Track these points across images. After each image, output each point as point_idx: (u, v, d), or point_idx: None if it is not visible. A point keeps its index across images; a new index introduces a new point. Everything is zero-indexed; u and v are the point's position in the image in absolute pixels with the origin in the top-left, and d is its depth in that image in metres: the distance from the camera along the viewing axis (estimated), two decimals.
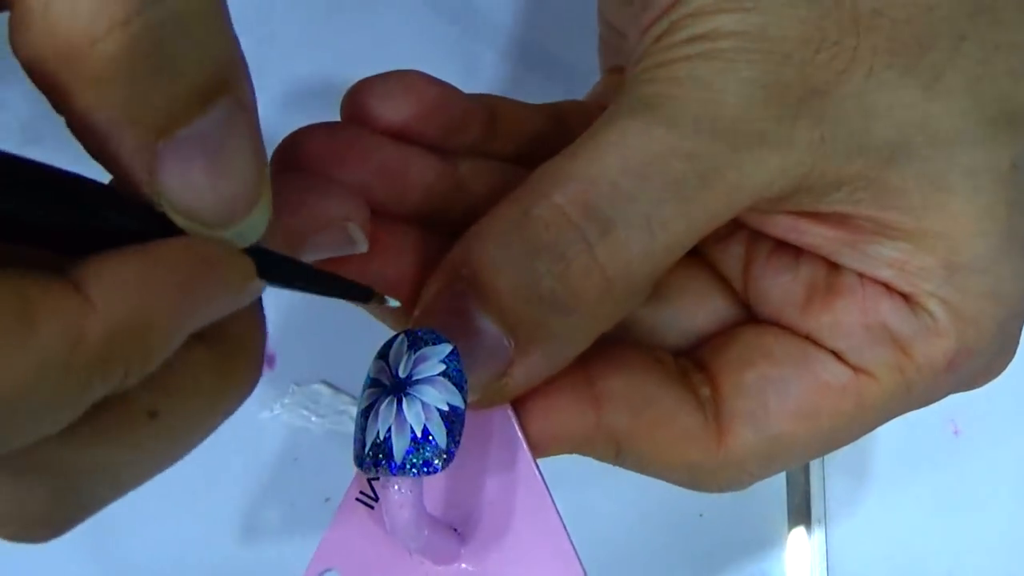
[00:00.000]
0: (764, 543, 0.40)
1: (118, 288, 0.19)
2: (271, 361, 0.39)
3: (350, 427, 0.39)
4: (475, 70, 0.41)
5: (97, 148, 0.20)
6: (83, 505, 0.21)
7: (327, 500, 0.39)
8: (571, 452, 0.26)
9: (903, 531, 0.40)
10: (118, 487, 0.22)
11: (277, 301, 0.40)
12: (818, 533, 0.39)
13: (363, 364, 0.25)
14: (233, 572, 0.39)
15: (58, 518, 0.21)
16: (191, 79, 0.21)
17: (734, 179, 0.23)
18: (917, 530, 0.39)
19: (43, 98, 0.21)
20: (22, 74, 0.21)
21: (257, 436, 0.39)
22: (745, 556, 0.40)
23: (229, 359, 0.22)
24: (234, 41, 0.21)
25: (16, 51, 0.20)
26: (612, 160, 0.23)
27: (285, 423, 0.39)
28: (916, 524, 0.40)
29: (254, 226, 0.22)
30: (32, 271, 0.18)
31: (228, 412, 0.22)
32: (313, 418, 0.39)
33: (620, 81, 0.33)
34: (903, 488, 0.40)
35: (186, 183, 0.21)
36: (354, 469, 0.24)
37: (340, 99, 0.32)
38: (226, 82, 0.21)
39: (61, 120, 0.21)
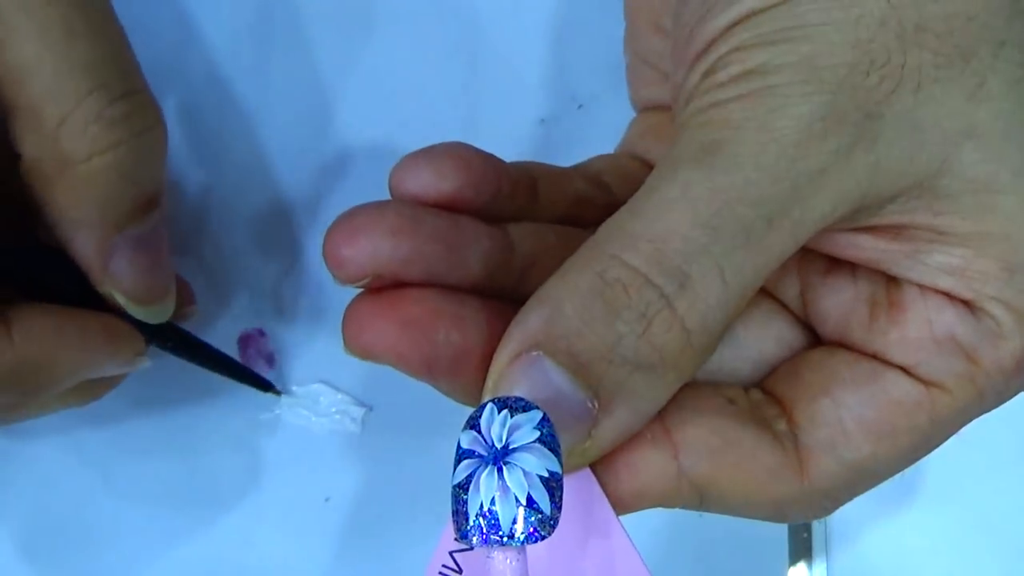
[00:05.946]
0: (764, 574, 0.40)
1: (35, 333, 0.28)
2: (271, 361, 0.39)
3: (350, 427, 0.39)
4: (476, 79, 0.41)
5: (64, 234, 0.29)
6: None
7: (327, 500, 0.39)
8: (655, 506, 0.26)
9: (905, 556, 0.39)
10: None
11: (277, 302, 0.40)
12: (819, 566, 0.39)
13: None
14: (233, 571, 0.39)
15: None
16: (144, 190, 0.29)
17: (798, 215, 0.23)
18: (919, 557, 0.39)
19: None
20: None
21: (257, 436, 0.39)
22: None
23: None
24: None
25: (17, 146, 0.28)
26: (680, 215, 0.23)
27: (285, 423, 0.39)
28: (919, 551, 0.39)
29: (166, 309, 0.32)
30: None
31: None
32: (313, 418, 0.39)
33: (659, 123, 0.33)
34: (906, 515, 0.40)
35: (129, 269, 0.30)
36: (447, 533, 0.24)
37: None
38: (159, 198, 0.30)
39: None
